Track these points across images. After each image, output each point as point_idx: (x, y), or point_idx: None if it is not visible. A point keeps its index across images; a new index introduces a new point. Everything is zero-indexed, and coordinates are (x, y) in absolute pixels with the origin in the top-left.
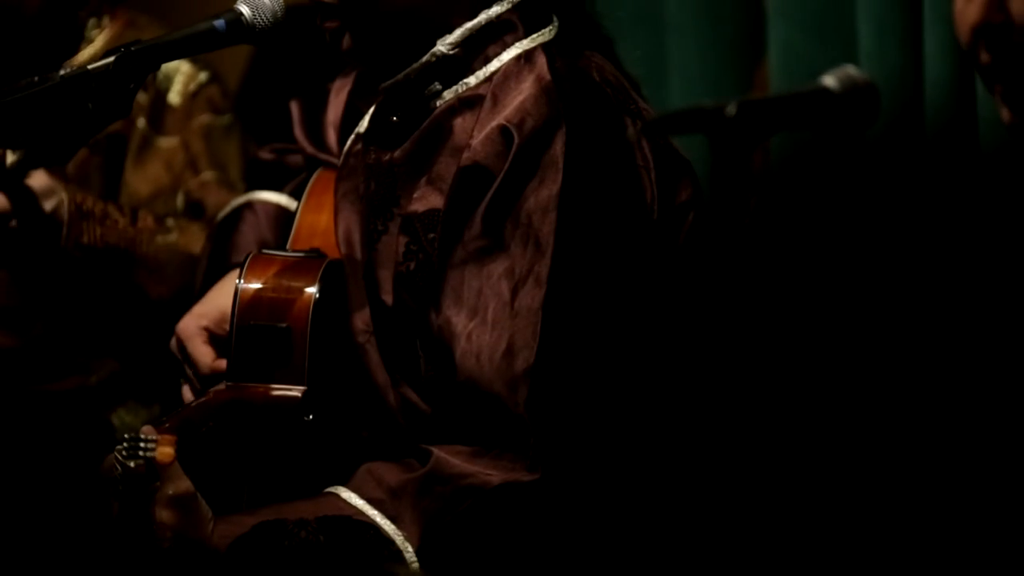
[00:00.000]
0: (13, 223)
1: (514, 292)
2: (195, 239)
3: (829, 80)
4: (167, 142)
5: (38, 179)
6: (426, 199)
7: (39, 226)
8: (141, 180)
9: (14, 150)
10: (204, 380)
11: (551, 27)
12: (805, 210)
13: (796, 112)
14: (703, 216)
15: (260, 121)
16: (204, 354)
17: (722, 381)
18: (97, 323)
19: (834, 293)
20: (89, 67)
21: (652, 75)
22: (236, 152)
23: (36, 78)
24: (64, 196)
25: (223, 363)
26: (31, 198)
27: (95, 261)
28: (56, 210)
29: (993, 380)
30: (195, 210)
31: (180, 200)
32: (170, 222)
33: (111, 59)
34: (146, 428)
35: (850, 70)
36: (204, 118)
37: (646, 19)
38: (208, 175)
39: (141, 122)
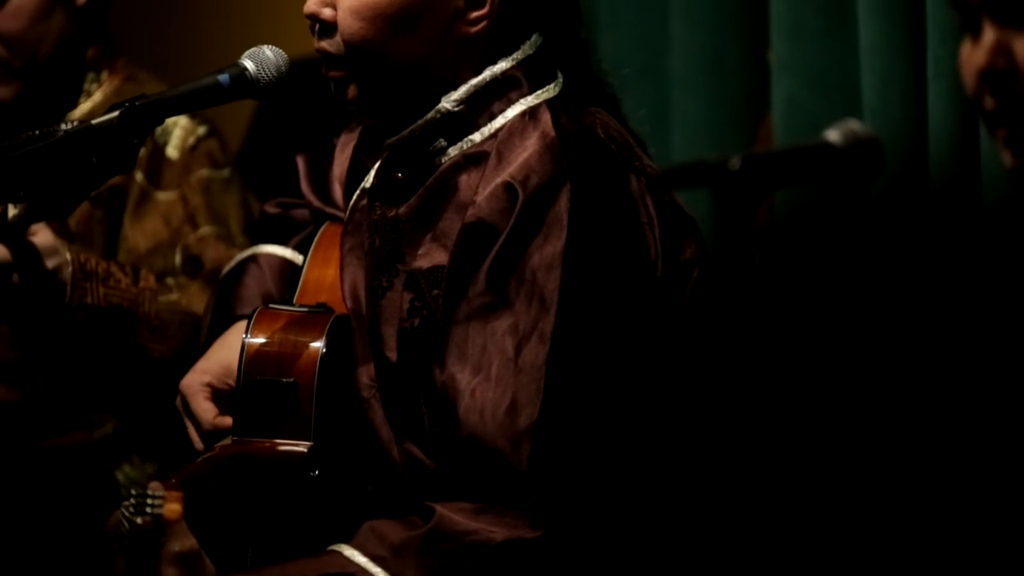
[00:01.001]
0: (15, 277)
1: (518, 349)
2: (195, 298)
3: (832, 134)
4: (165, 196)
5: (42, 237)
6: (431, 256)
7: (41, 283)
8: (139, 234)
9: (15, 204)
10: (207, 437)
11: (556, 83)
12: (809, 264)
13: (800, 166)
14: (707, 273)
15: (264, 175)
16: (206, 411)
17: (727, 437)
18: (99, 380)
19: (839, 347)
20: (93, 122)
21: (656, 129)
22: (236, 205)
23: (37, 132)
24: (67, 255)
25: (225, 420)
26: (34, 255)
27: (98, 320)
28: (59, 269)
29: (1000, 434)
30: (193, 265)
31: (178, 256)
32: (170, 281)
33: (115, 114)
34: (153, 484)
35: (853, 124)
36: (203, 172)
37: (650, 74)
38: (207, 230)
39: (139, 176)
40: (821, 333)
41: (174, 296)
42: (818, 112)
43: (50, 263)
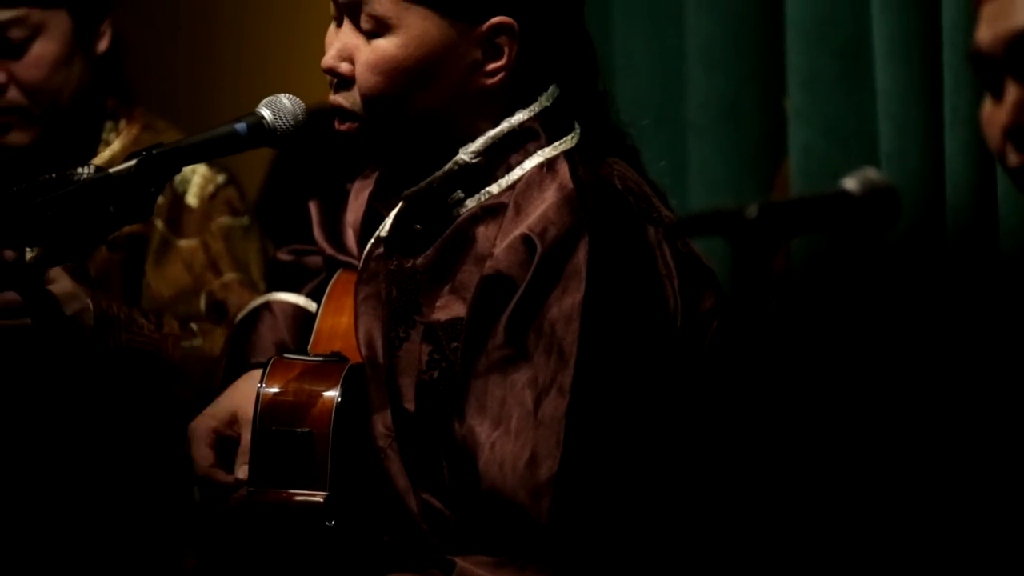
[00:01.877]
0: (27, 321)
1: (537, 401)
2: (219, 343)
3: (849, 183)
4: (186, 243)
5: (61, 285)
6: (449, 308)
7: (60, 329)
8: (162, 282)
9: (32, 248)
10: (201, 483)
11: (573, 134)
12: (826, 312)
13: (816, 215)
14: (727, 324)
15: (283, 223)
16: (203, 456)
17: (747, 485)
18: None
19: (854, 396)
20: (111, 170)
21: (673, 177)
22: (256, 252)
23: (54, 175)
24: (88, 302)
25: (217, 472)
26: (52, 302)
27: (121, 366)
28: (80, 315)
29: (1018, 478)
30: (218, 311)
31: (203, 301)
32: (193, 326)
33: (132, 163)
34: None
35: (870, 173)
36: (223, 219)
37: (667, 122)
38: (230, 276)
39: (160, 224)
40: (839, 380)
41: (198, 341)
42: (835, 160)
43: (69, 309)
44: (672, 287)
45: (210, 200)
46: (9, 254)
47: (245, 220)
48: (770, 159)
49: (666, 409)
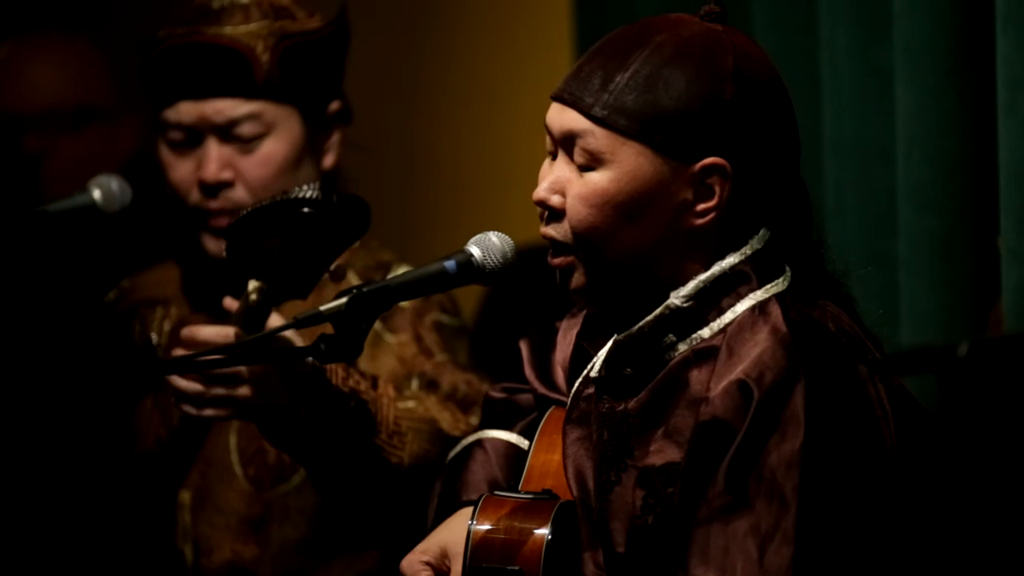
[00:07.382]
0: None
1: (762, 550)
2: (434, 407)
3: None
4: (397, 339)
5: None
6: (664, 453)
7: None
8: (373, 371)
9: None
10: None
11: (784, 277)
12: None
13: None
14: (942, 465)
15: (491, 358)
16: None
17: None
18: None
19: None
20: (321, 308)
21: (883, 314)
22: (465, 353)
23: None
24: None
25: None
26: (282, 339)
27: (339, 421)
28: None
29: None
30: (431, 387)
31: (415, 383)
32: (407, 392)
33: (343, 300)
34: None
35: None
36: (435, 315)
37: (877, 259)
38: (442, 357)
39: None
40: None
41: (411, 404)
42: None
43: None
44: (888, 429)
45: (423, 301)
46: (229, 302)
47: (456, 322)
48: (982, 297)
49: (887, 551)
